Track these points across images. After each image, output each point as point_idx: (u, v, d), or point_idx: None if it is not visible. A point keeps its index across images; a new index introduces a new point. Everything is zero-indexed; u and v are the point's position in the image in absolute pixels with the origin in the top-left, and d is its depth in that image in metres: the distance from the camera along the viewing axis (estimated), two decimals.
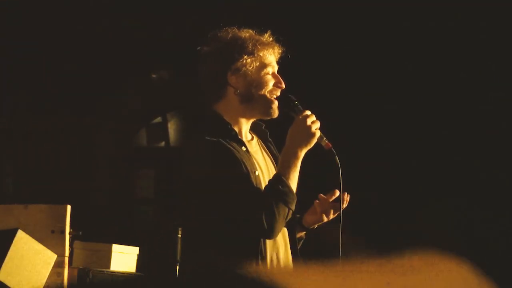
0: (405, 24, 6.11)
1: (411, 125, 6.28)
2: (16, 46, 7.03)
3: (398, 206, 6.26)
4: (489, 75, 5.95)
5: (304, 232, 2.87)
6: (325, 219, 2.82)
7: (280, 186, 2.57)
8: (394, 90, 6.30)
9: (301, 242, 2.83)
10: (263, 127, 2.86)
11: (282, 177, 2.59)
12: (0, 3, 6.64)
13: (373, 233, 6.08)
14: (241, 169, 2.60)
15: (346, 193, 2.75)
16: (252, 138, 2.82)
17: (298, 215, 2.85)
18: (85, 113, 7.36)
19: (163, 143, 7.89)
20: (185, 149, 2.69)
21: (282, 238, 2.73)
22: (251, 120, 2.80)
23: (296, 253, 2.77)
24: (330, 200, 2.76)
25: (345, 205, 2.76)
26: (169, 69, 7.39)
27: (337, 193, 2.75)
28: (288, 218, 2.61)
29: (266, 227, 2.54)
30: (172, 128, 7.89)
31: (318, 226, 2.87)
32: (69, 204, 4.55)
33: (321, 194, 2.79)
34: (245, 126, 2.78)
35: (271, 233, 2.58)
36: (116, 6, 6.95)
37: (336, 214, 2.80)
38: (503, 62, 5.98)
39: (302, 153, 2.63)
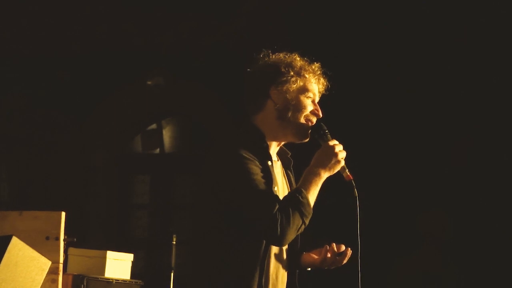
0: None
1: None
2: (13, 49, 7.04)
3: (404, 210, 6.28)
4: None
5: (298, 269, 2.89)
6: (321, 267, 2.84)
7: (299, 197, 2.62)
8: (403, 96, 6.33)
9: (295, 275, 2.84)
10: (289, 156, 2.90)
11: (302, 189, 2.65)
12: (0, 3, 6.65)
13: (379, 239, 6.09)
14: (261, 177, 2.64)
15: (349, 249, 2.77)
16: (277, 161, 2.85)
17: (302, 251, 2.87)
18: (81, 119, 7.36)
19: (158, 150, 7.89)
20: (211, 155, 2.72)
21: (283, 257, 2.76)
22: (281, 142, 2.84)
23: (294, 278, 2.79)
24: (336, 252, 2.79)
25: (345, 261, 2.79)
26: (165, 76, 7.39)
27: (343, 247, 2.78)
28: (300, 231, 2.64)
29: (279, 232, 2.56)
30: (167, 134, 7.90)
31: (312, 269, 2.88)
32: (64, 211, 4.55)
33: (334, 243, 2.82)
34: (274, 147, 2.83)
35: (282, 239, 2.60)
36: (114, 12, 6.95)
37: (332, 268, 2.82)
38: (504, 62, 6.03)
39: (324, 175, 2.68)
